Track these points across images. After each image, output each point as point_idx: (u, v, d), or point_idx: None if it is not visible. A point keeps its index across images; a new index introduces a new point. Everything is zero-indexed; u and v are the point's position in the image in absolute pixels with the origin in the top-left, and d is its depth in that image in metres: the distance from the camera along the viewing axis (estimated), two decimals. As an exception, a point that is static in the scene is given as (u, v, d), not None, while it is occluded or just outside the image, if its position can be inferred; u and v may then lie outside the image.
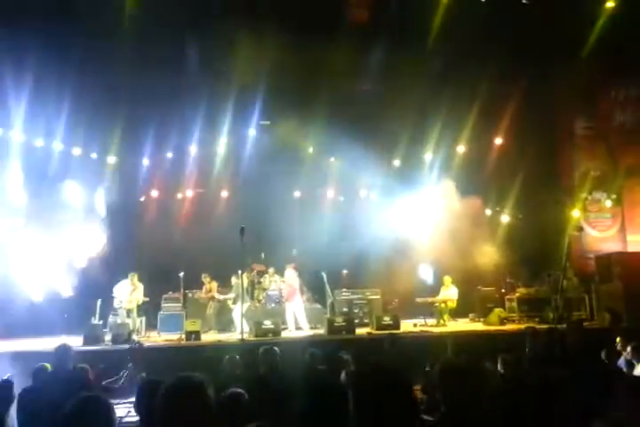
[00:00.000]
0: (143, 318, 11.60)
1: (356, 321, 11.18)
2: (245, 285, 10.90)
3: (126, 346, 8.85)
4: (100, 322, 11.04)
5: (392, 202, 13.87)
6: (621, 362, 5.70)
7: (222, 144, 14.34)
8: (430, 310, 12.14)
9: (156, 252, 13.30)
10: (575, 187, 13.97)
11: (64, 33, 10.67)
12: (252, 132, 14.37)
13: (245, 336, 9.68)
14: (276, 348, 5.57)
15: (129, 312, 11.04)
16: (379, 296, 12.58)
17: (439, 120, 13.34)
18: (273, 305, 12.39)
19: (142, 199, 14.87)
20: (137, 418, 3.49)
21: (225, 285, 12.24)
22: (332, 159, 14.81)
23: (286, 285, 11.82)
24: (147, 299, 11.43)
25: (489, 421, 2.63)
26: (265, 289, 12.77)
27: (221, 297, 12.03)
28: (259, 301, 12.70)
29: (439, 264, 13.47)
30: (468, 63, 11.99)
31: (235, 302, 11.32)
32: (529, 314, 11.99)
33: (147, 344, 9.34)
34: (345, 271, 14.01)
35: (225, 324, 11.95)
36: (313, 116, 12.53)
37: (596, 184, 13.79)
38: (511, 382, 4.31)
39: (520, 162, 13.44)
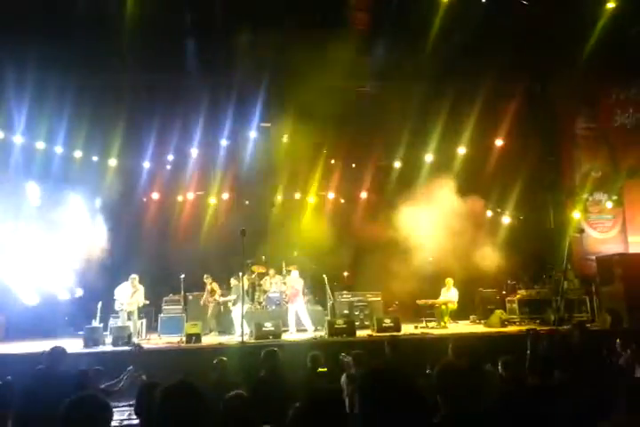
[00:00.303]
0: (144, 321, 11.59)
1: (357, 323, 11.12)
2: (246, 287, 10.88)
3: (127, 348, 8.84)
4: (101, 324, 11.02)
5: (392, 203, 13.85)
6: (622, 363, 5.69)
7: (223, 146, 14.35)
8: (431, 312, 12.11)
9: (157, 254, 13.31)
10: (576, 188, 13.92)
11: (65, 36, 10.71)
12: (252, 134, 14.38)
13: (246, 338, 9.66)
14: (276, 349, 5.56)
15: (130, 315, 11.01)
16: (379, 298, 12.55)
17: (439, 121, 13.31)
18: (273, 307, 12.38)
19: (143, 201, 14.87)
20: (137, 421, 3.48)
21: (225, 287, 12.23)
22: (333, 161, 14.83)
23: (289, 286, 11.80)
24: (147, 301, 11.41)
25: (489, 422, 2.62)
26: (265, 291, 12.76)
27: (222, 299, 12.02)
28: (259, 303, 12.70)
29: (440, 266, 13.44)
30: (469, 64, 12.00)
31: (234, 304, 11.31)
32: (530, 316, 11.96)
33: (147, 347, 9.31)
34: (346, 273, 13.99)
35: (226, 326, 11.93)
36: (313, 117, 12.52)
37: (597, 185, 13.74)
38: (512, 384, 4.29)
39: (521, 163, 13.43)
